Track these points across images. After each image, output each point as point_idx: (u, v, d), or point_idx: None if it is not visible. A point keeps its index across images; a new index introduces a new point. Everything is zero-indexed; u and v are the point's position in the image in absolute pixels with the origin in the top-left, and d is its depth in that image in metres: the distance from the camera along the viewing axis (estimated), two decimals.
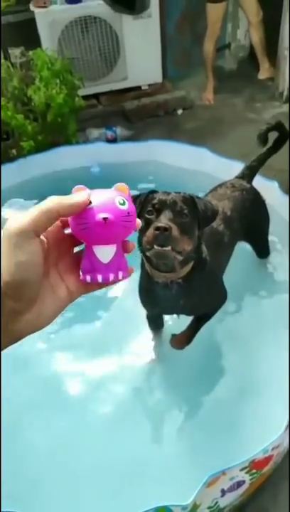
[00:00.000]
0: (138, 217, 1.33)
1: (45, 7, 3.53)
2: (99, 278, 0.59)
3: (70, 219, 0.57)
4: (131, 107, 3.82)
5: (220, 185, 2.00)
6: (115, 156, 2.94)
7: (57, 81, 3.03)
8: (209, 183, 2.10)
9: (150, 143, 2.96)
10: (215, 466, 1.34)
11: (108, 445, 1.67)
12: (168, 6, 3.79)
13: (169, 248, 1.25)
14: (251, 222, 2.01)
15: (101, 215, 0.55)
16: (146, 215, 1.32)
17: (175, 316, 1.94)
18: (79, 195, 0.56)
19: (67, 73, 3.12)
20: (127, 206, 0.58)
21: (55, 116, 2.97)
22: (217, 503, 1.44)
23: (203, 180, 2.38)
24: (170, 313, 1.77)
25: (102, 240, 0.58)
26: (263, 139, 2.02)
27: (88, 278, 0.59)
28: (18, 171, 2.85)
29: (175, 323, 1.94)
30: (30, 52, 3.11)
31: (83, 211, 0.56)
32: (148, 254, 1.31)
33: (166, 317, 2.00)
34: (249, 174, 2.10)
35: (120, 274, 0.60)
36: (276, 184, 2.48)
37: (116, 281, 0.60)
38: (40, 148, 2.97)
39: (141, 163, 2.86)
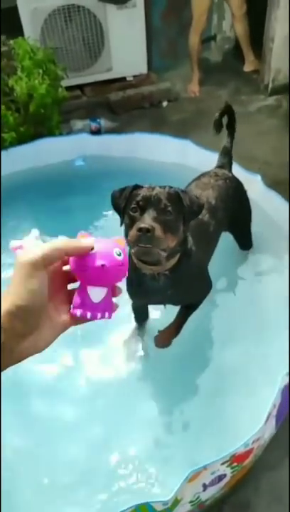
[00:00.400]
0: (123, 212, 1.33)
1: None
2: (88, 315, 0.68)
3: (71, 259, 0.67)
4: (116, 99, 3.78)
5: (203, 175, 2.00)
6: (99, 148, 2.91)
7: (40, 71, 2.97)
8: (192, 176, 2.09)
9: (134, 135, 2.94)
10: (201, 461, 1.34)
11: (93, 442, 1.67)
12: None
13: (152, 246, 1.26)
14: (235, 211, 2.01)
15: (99, 262, 0.66)
16: (130, 212, 1.32)
17: (158, 311, 1.94)
18: (86, 241, 0.66)
19: (50, 63, 3.06)
20: (122, 257, 0.69)
21: (37, 107, 2.92)
22: (198, 497, 1.45)
23: (187, 173, 2.35)
24: (157, 303, 1.77)
25: (97, 282, 0.68)
26: (217, 124, 2.07)
27: (78, 313, 0.67)
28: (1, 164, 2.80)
29: (159, 318, 1.94)
30: (12, 42, 3.04)
31: (85, 255, 0.66)
32: (132, 251, 1.30)
33: (151, 312, 2.00)
34: (227, 162, 2.11)
35: (106, 315, 0.69)
36: (258, 177, 2.48)
37: (101, 319, 0.69)
38: (22, 139, 2.92)
39: (125, 156, 2.83)
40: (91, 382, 1.87)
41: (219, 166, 2.09)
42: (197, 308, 1.76)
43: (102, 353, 1.96)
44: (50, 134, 3.04)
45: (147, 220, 1.26)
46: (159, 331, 1.73)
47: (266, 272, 2.29)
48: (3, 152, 2.83)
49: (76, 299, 0.68)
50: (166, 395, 1.81)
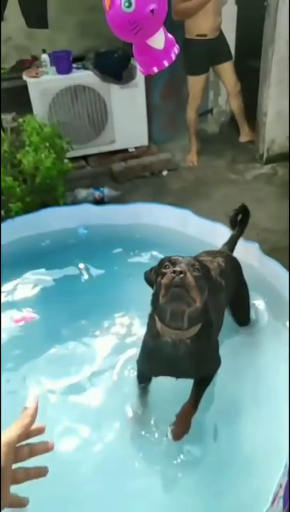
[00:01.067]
0: (155, 282, 1.45)
1: (37, 77, 3.75)
2: (165, 63, 0.65)
3: (121, 32, 0.66)
4: (119, 169, 3.95)
5: (204, 252, 2.06)
6: (102, 218, 3.01)
7: (47, 144, 3.15)
8: (193, 245, 2.16)
9: (135, 205, 3.05)
10: None
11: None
12: (152, 77, 4.04)
13: (184, 289, 1.37)
14: (235, 287, 2.06)
15: (149, 8, 0.60)
16: (162, 270, 1.45)
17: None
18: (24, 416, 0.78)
19: (56, 137, 3.25)
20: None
21: (43, 179, 3.06)
22: None
23: (187, 242, 2.45)
24: (171, 374, 1.77)
25: (154, 28, 0.62)
26: (233, 222, 2.22)
27: (155, 69, 0.66)
28: (5, 232, 2.89)
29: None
30: (21, 119, 3.25)
31: (131, 17, 0.60)
32: (164, 299, 1.40)
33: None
34: (230, 248, 2.20)
35: (175, 49, 0.68)
36: (256, 245, 2.54)
37: (175, 56, 0.64)
38: (28, 209, 3.03)
39: (127, 225, 2.93)
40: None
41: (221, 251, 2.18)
42: (210, 382, 1.77)
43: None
44: (55, 203, 3.16)
45: (180, 265, 1.42)
46: (176, 416, 1.71)
47: (265, 339, 2.28)
48: (8, 221, 2.93)
49: (144, 62, 0.63)
50: (163, 473, 1.74)
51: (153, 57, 0.66)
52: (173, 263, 1.45)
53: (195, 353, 1.58)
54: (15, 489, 0.75)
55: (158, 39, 0.68)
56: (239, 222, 2.22)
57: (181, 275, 1.38)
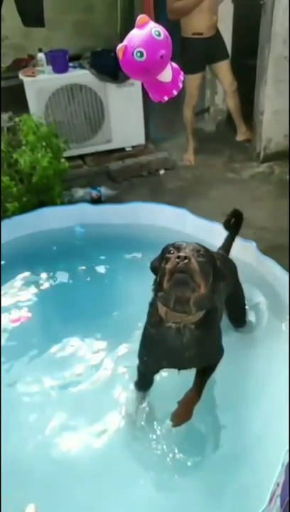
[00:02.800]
0: (159, 266, 1.45)
1: (33, 76, 3.73)
2: (174, 92, 0.82)
3: (133, 75, 0.82)
4: (116, 168, 3.95)
5: None
6: (99, 217, 3.01)
7: (43, 144, 3.15)
8: None
9: (133, 205, 3.05)
10: None
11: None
12: None
13: (188, 274, 1.37)
14: (231, 287, 2.05)
15: (159, 54, 0.74)
16: (167, 255, 1.44)
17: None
18: None
19: (53, 137, 3.25)
20: (162, 33, 0.78)
21: (40, 178, 3.05)
22: None
23: (185, 240, 2.44)
24: (174, 364, 1.74)
25: (162, 68, 0.76)
26: (227, 225, 2.22)
27: (165, 98, 0.81)
28: (2, 232, 2.88)
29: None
30: (17, 119, 3.24)
31: (143, 65, 0.76)
32: (168, 285, 1.39)
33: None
34: (225, 251, 2.20)
35: (181, 77, 0.85)
36: (253, 244, 2.54)
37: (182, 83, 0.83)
38: (24, 209, 3.02)
39: (125, 224, 2.93)
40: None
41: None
42: (214, 371, 1.76)
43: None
44: (52, 203, 3.16)
45: (185, 251, 1.41)
46: (178, 402, 1.69)
47: (263, 337, 2.28)
48: (5, 220, 2.93)
49: (155, 94, 0.78)
50: (161, 475, 1.74)
51: (162, 89, 0.81)
52: (178, 248, 1.44)
53: (200, 339, 1.56)
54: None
55: (166, 74, 0.82)
56: (233, 225, 2.21)
57: (186, 260, 1.37)
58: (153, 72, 0.79)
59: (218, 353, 1.78)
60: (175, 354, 1.62)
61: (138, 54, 0.78)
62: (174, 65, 0.89)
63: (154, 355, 1.70)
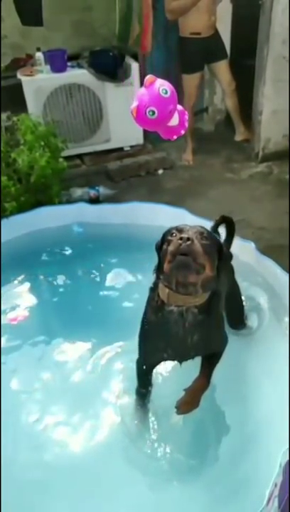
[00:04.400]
0: (161, 248, 1.42)
1: (32, 76, 3.73)
2: (182, 132, 0.91)
3: (146, 128, 0.98)
4: (114, 167, 3.94)
5: None
6: (97, 216, 3.00)
7: (41, 143, 3.14)
8: None
9: (131, 204, 3.04)
10: None
11: None
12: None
13: (191, 256, 1.33)
14: (230, 287, 2.04)
15: (168, 110, 0.88)
16: (169, 237, 1.41)
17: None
18: None
19: (51, 136, 3.24)
20: (169, 90, 0.88)
21: (38, 178, 3.05)
22: None
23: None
24: (177, 353, 1.65)
25: (172, 117, 0.88)
26: (215, 231, 2.09)
27: (175, 137, 0.89)
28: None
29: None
30: (15, 118, 3.23)
31: (155, 121, 0.91)
32: (170, 267, 1.36)
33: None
34: None
35: (186, 116, 0.92)
36: (252, 244, 2.54)
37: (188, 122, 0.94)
38: (23, 208, 3.02)
39: (123, 224, 2.92)
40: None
41: None
42: (220, 359, 1.71)
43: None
44: (50, 202, 3.15)
45: (188, 233, 1.37)
46: (184, 390, 1.64)
47: (263, 337, 2.28)
48: (3, 220, 2.92)
49: (165, 136, 0.90)
50: (157, 477, 1.74)
51: (171, 131, 0.90)
52: (180, 231, 1.40)
53: (203, 323, 1.51)
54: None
55: (174, 120, 0.91)
56: (227, 232, 2.10)
57: (188, 242, 1.33)
58: (164, 123, 0.90)
59: (222, 339, 1.72)
60: (177, 341, 1.55)
61: (151, 113, 0.90)
62: (179, 107, 0.96)
63: (155, 343, 1.62)
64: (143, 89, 0.90)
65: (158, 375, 1.98)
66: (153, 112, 0.85)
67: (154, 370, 1.84)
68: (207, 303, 1.50)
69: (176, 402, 1.65)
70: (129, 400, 1.93)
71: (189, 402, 1.64)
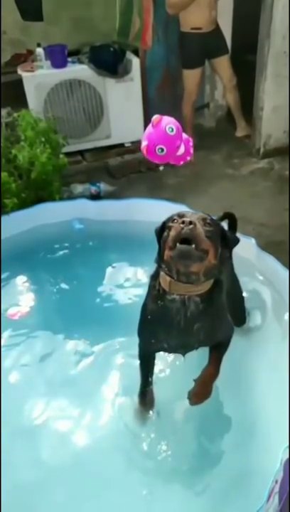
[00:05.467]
0: (161, 235, 1.39)
1: (32, 71, 3.71)
2: (188, 158, 1.03)
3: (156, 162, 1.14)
4: (115, 164, 3.94)
5: None
6: (98, 213, 3.00)
7: (42, 139, 3.13)
8: None
9: (132, 200, 3.04)
10: None
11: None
12: (148, 71, 4.01)
13: (193, 247, 1.28)
14: (230, 283, 2.02)
15: (176, 145, 0.98)
16: (170, 224, 1.37)
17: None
18: None
19: (52, 132, 3.23)
20: (175, 128, 0.98)
21: (38, 174, 3.04)
22: None
23: None
24: (177, 346, 1.59)
25: (178, 150, 1.04)
26: None
27: (181, 162, 1.05)
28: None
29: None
30: (16, 114, 3.22)
31: (164, 157, 1.05)
32: (171, 254, 1.31)
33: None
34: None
35: (191, 143, 1.04)
36: (253, 241, 2.54)
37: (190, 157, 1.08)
38: (23, 204, 3.01)
39: (124, 220, 2.92)
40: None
41: None
42: (228, 347, 1.66)
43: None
44: (51, 198, 3.14)
45: (190, 217, 1.31)
46: (194, 380, 1.60)
47: (263, 333, 2.28)
48: (4, 217, 2.92)
49: (173, 162, 1.02)
50: (156, 474, 1.73)
51: (178, 158, 1.01)
52: (182, 216, 1.35)
53: (206, 312, 1.46)
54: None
55: (181, 150, 1.02)
56: (229, 227, 2.06)
57: (191, 226, 1.27)
58: (173, 156, 1.04)
59: (228, 327, 1.67)
60: (178, 330, 1.49)
61: (160, 150, 1.02)
62: (185, 136, 1.07)
63: (155, 332, 1.56)
64: (151, 129, 1.02)
65: (161, 372, 1.98)
66: (162, 150, 0.97)
67: (155, 370, 1.84)
68: (210, 291, 1.45)
69: (187, 393, 1.61)
70: (129, 396, 1.93)
71: (200, 392, 1.61)
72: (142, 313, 1.61)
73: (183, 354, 1.67)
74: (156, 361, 1.83)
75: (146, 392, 1.84)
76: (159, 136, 0.96)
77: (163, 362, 2.02)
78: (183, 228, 1.28)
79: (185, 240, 1.29)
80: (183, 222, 1.28)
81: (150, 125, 1.04)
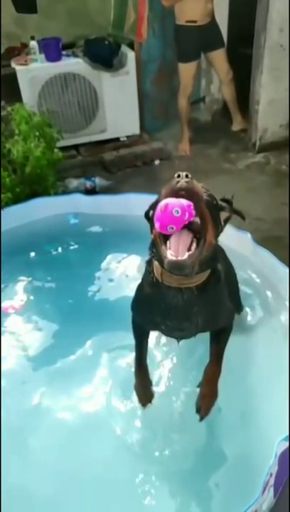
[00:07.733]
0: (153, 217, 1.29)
1: (26, 65, 3.68)
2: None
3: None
4: (110, 158, 3.91)
5: None
6: (93, 208, 2.98)
7: (36, 133, 3.11)
8: None
9: (127, 195, 3.02)
10: None
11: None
12: (144, 65, 3.98)
13: (189, 192, 1.15)
14: (226, 273, 2.01)
15: (184, 219, 1.13)
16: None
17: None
18: None
19: (46, 126, 3.21)
20: (180, 211, 1.12)
21: (33, 169, 3.02)
22: None
23: None
24: (174, 325, 1.45)
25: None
26: None
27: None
28: None
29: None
30: (9, 108, 3.19)
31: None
32: (158, 233, 1.19)
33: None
34: None
35: (192, 208, 1.15)
36: (248, 235, 2.52)
37: None
38: (18, 199, 2.99)
39: (119, 215, 2.90)
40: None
41: None
42: (229, 336, 1.58)
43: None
44: (45, 193, 3.12)
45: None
46: (198, 386, 1.54)
47: (261, 329, 2.27)
48: None
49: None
50: (151, 466, 1.73)
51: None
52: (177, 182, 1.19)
53: (202, 301, 1.34)
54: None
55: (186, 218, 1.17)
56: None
57: (187, 179, 1.15)
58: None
59: (227, 313, 1.55)
60: (173, 318, 1.39)
61: (171, 228, 1.14)
62: (184, 203, 1.18)
63: (149, 317, 1.47)
64: (160, 213, 1.14)
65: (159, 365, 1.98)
66: (173, 228, 1.13)
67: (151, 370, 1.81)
68: (206, 282, 1.32)
69: (195, 404, 1.54)
70: (127, 393, 1.92)
71: (207, 395, 1.55)
72: (137, 293, 1.53)
73: (179, 339, 1.58)
74: (154, 358, 1.81)
75: (142, 367, 1.74)
76: (168, 218, 1.12)
77: (161, 355, 2.02)
78: (177, 182, 1.14)
79: (181, 194, 1.13)
80: (179, 176, 1.15)
81: (158, 209, 1.15)
